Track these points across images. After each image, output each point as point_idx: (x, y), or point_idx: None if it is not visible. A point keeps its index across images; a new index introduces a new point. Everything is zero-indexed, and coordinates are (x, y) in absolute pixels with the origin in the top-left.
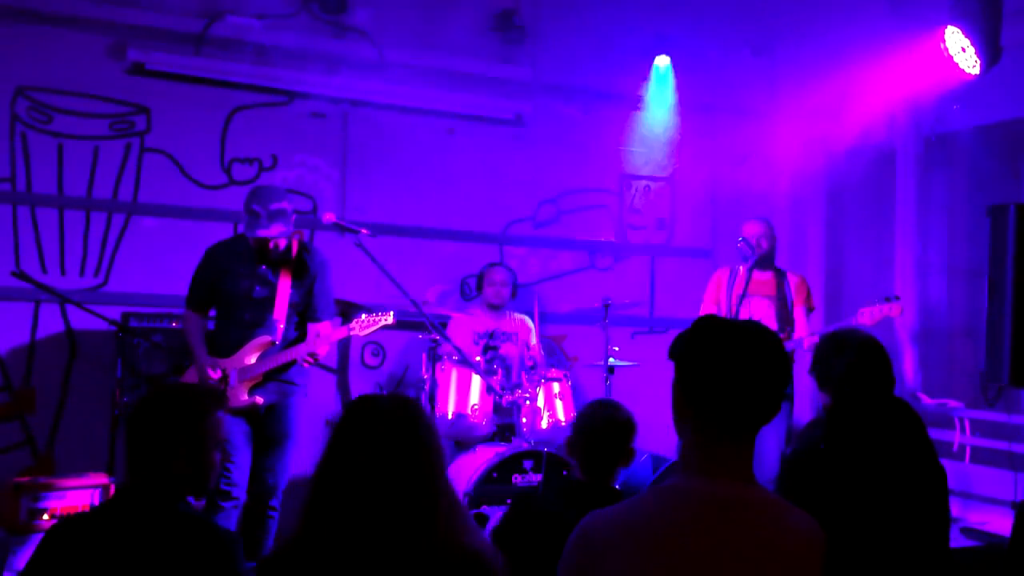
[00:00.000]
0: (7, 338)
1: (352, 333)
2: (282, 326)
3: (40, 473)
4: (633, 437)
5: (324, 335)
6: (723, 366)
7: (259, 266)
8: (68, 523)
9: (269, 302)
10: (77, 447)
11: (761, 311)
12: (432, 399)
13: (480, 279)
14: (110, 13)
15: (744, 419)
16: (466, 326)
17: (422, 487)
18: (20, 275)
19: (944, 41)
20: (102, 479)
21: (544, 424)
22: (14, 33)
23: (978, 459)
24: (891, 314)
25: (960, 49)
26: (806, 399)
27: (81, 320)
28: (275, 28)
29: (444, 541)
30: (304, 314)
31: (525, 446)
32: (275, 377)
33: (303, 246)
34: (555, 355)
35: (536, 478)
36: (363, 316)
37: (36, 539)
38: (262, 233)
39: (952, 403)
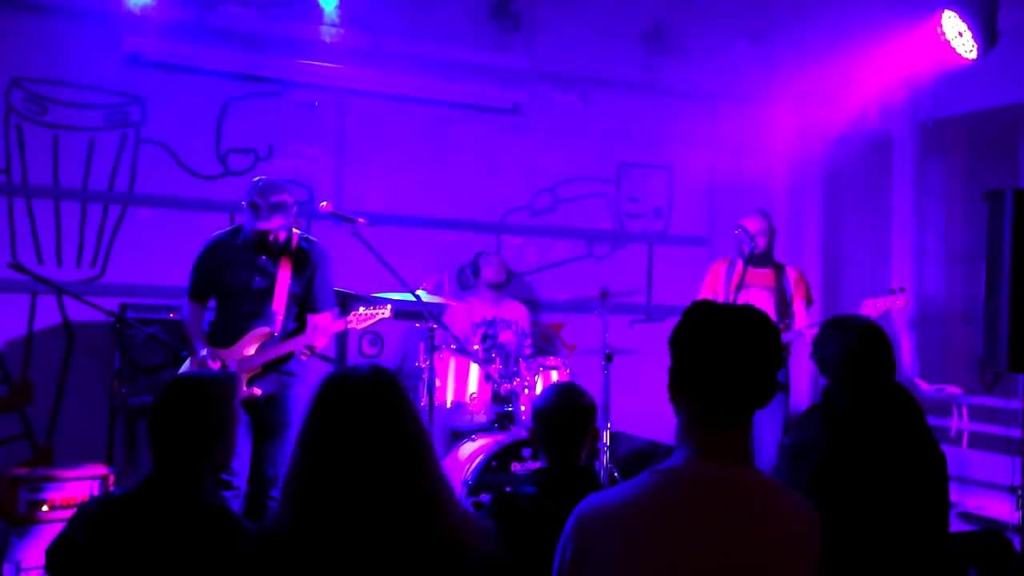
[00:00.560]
0: (4, 330)
1: (349, 327)
2: (281, 317)
3: (39, 465)
4: (595, 418)
5: (322, 327)
6: (715, 348)
7: (258, 257)
8: (98, 508)
9: (268, 293)
10: (75, 439)
11: (760, 303)
12: (430, 388)
13: (476, 266)
14: (105, 3)
15: (738, 401)
16: (464, 315)
17: (412, 467)
18: (16, 267)
19: (941, 26)
20: (101, 470)
21: None
22: (9, 23)
23: (976, 444)
24: (896, 306)
25: (957, 34)
26: (804, 389)
27: (78, 312)
28: (270, 17)
29: (449, 533)
30: (304, 305)
31: (524, 434)
32: (274, 368)
33: (303, 237)
34: (552, 343)
35: (535, 466)
36: (360, 309)
37: (36, 531)
38: (263, 225)
39: (950, 388)
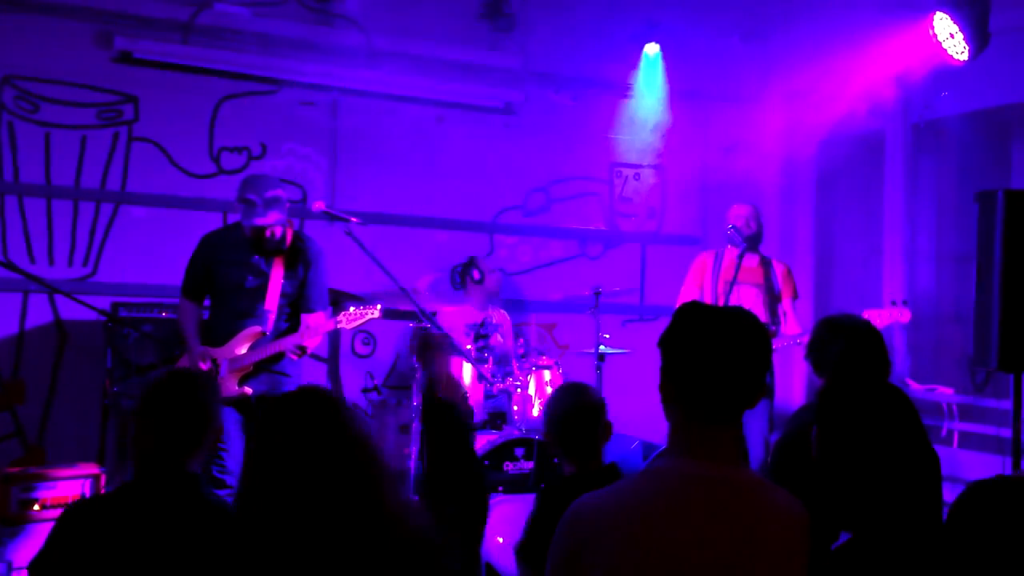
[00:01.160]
0: None
1: (340, 326)
2: (273, 316)
3: (30, 463)
4: (604, 413)
5: (313, 326)
6: (705, 350)
7: (252, 256)
8: (85, 508)
9: (261, 292)
10: (67, 437)
11: (749, 300)
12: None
13: (471, 268)
14: (97, 1)
15: (728, 402)
16: (456, 318)
17: (355, 477)
18: (8, 265)
19: (933, 27)
20: (92, 469)
21: (535, 412)
22: (0, 22)
23: (966, 444)
24: (900, 320)
25: (949, 35)
26: (796, 389)
27: (70, 310)
28: (263, 16)
29: (391, 526)
30: (297, 304)
31: (516, 434)
32: (266, 368)
33: (298, 236)
34: (544, 343)
35: (527, 466)
36: (351, 309)
37: (27, 530)
38: (259, 221)
39: (941, 389)
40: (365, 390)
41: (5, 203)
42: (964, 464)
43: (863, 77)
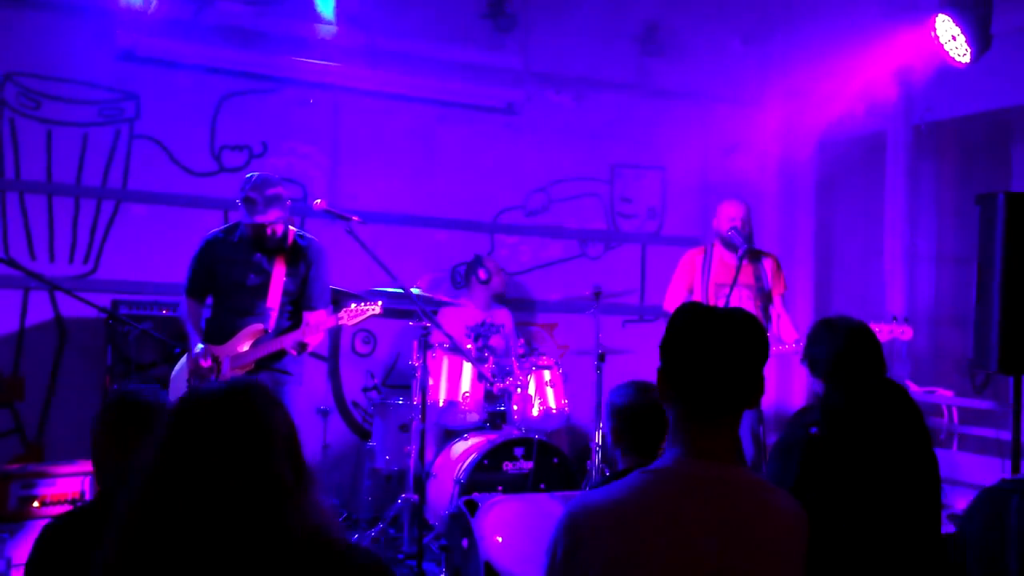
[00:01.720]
0: None
1: (341, 323)
2: (275, 314)
3: (30, 461)
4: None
5: (315, 324)
6: (704, 351)
7: (254, 254)
8: (61, 528)
9: (262, 290)
10: (67, 435)
11: (741, 303)
12: (423, 387)
13: (476, 267)
14: None
15: (727, 402)
16: (457, 319)
17: (257, 480)
18: (9, 262)
19: (935, 29)
20: (92, 466)
21: (535, 412)
22: (2, 18)
23: (966, 447)
24: (903, 337)
25: (951, 37)
26: (796, 390)
27: (71, 308)
28: (265, 14)
29: (290, 530)
30: (298, 302)
31: (516, 433)
32: (268, 366)
33: (300, 234)
34: (544, 343)
35: (527, 465)
36: (352, 305)
37: (27, 527)
38: (260, 219)
39: (940, 391)
40: (365, 389)
41: (6, 200)
42: (963, 467)
43: (864, 78)
